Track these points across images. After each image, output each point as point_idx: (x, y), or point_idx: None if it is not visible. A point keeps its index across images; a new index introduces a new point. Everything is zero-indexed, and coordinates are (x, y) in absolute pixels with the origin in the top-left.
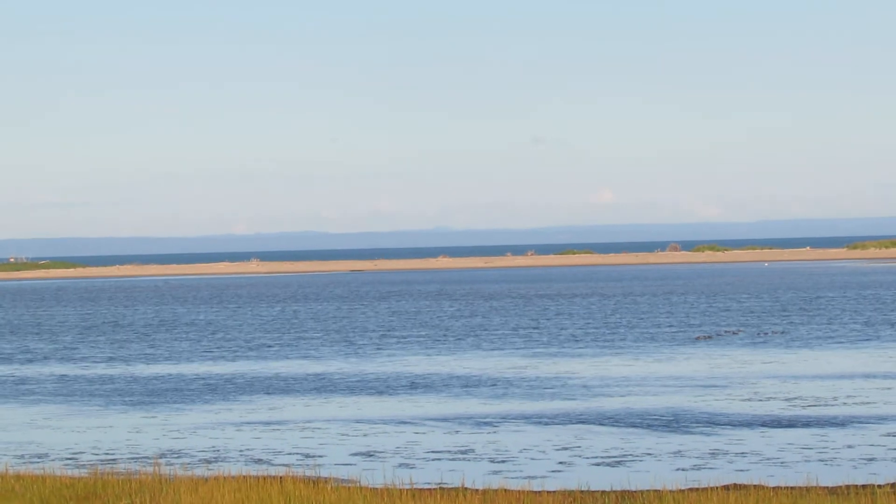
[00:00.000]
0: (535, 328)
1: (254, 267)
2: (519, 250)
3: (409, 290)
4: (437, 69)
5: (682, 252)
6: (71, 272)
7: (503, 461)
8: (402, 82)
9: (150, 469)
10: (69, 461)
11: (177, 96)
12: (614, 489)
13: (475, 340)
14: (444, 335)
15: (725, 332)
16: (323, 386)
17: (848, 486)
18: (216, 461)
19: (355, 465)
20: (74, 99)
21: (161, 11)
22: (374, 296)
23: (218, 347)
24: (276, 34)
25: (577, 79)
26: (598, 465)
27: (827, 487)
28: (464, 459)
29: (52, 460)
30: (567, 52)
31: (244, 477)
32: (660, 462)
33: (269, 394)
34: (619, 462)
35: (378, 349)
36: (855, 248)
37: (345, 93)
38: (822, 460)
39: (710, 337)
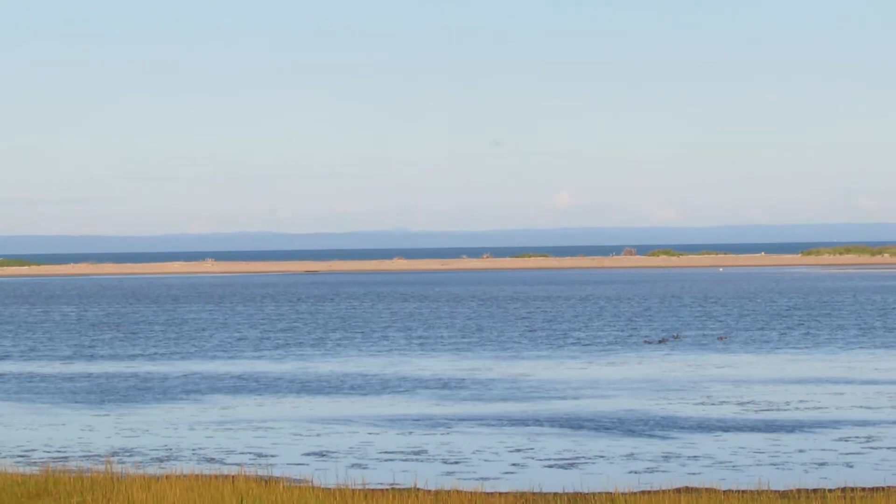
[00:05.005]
0: (483, 330)
1: (208, 266)
2: (475, 253)
3: (387, 292)
4: (394, 71)
5: (638, 256)
6: (24, 270)
7: (456, 462)
8: (359, 84)
9: (102, 467)
10: (20, 458)
11: (131, 94)
12: (566, 491)
13: (427, 342)
14: (402, 337)
15: (676, 336)
16: (276, 385)
17: (799, 490)
18: (168, 460)
19: (308, 464)
20: (22, 94)
21: (120, 9)
22: (358, 296)
23: (178, 348)
24: (234, 34)
25: (536, 83)
26: (550, 467)
27: (778, 491)
28: (417, 460)
29: (3, 457)
30: (524, 57)
31: (196, 476)
32: (612, 464)
33: (222, 393)
34: (571, 464)
35: (339, 349)
36: (809, 254)
37: (302, 93)
38: (773, 464)
39: (663, 340)
